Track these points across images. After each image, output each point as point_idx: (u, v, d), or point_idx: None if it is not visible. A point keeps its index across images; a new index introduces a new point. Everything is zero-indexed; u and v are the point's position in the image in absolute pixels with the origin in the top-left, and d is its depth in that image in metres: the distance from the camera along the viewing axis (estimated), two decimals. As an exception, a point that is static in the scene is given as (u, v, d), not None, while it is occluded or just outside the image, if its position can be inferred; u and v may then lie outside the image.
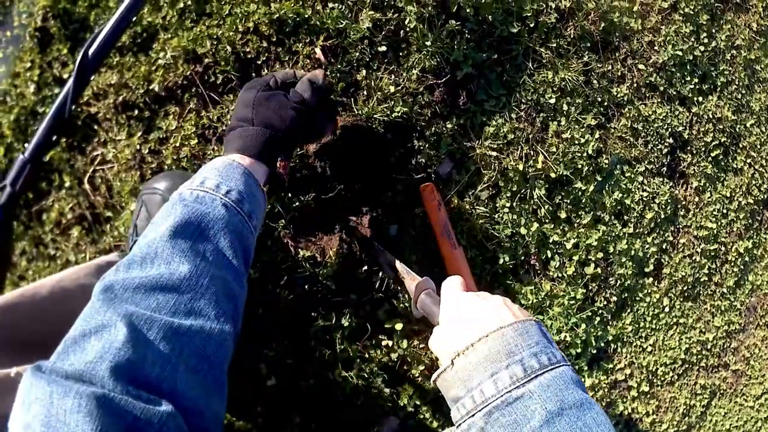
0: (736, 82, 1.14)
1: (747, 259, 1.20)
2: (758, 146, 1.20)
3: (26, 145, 0.85)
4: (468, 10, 0.85)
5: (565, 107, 0.94)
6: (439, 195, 0.83)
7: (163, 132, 0.87)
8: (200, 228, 0.55)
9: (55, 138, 0.80)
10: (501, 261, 0.91)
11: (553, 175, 0.93)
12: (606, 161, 0.99)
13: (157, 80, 0.86)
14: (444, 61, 0.85)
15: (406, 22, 0.84)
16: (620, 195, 1.01)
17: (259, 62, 0.84)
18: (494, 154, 0.89)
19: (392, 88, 0.83)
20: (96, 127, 0.91)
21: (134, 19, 0.81)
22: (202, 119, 0.86)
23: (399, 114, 0.84)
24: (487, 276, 0.92)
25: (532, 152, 0.92)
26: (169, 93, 0.87)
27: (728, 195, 1.16)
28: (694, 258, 1.13)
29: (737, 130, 1.15)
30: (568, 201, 0.96)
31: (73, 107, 0.86)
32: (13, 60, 0.91)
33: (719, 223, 1.14)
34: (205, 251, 0.53)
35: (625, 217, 1.04)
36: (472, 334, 0.50)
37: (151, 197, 0.79)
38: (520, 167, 0.90)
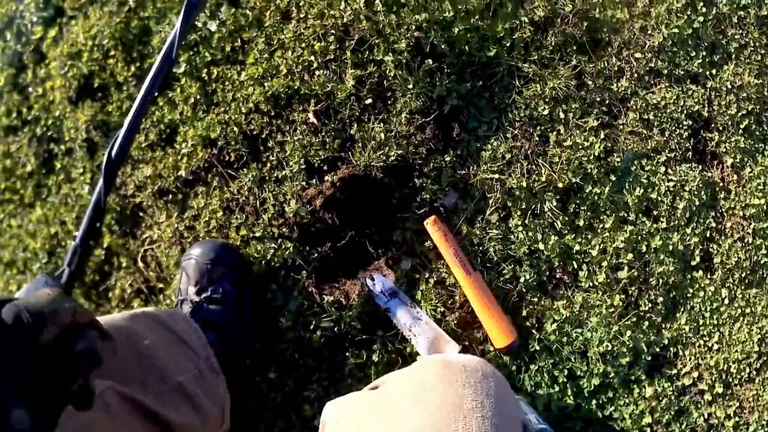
0: (752, 44, 1.06)
1: (814, 230, 1.09)
2: (799, 106, 1.09)
3: (76, 233, 1.00)
4: (443, 46, 0.90)
5: (561, 115, 0.94)
6: (444, 225, 0.86)
7: (195, 210, 0.99)
8: None
9: (97, 225, 0.95)
10: (522, 279, 0.91)
11: (560, 184, 0.92)
12: (618, 159, 0.97)
13: (184, 167, 0.99)
14: (428, 99, 0.90)
15: (387, 71, 0.90)
16: (642, 190, 0.98)
17: (264, 136, 0.94)
18: (495, 176, 0.91)
19: (383, 135, 0.89)
20: (141, 214, 1.05)
21: (142, 122, 0.93)
22: (225, 194, 0.97)
23: (395, 157, 0.89)
24: (511, 296, 0.92)
25: (534, 167, 0.93)
26: (195, 176, 1.00)
27: (774, 166, 1.06)
28: (746, 240, 1.04)
29: (765, 93, 1.06)
30: (585, 207, 0.95)
31: (118, 199, 1.01)
32: (69, 168, 1.09)
33: (768, 199, 1.05)
34: None
35: (654, 212, 0.99)
36: None
37: (188, 263, 0.91)
38: (524, 183, 0.91)
